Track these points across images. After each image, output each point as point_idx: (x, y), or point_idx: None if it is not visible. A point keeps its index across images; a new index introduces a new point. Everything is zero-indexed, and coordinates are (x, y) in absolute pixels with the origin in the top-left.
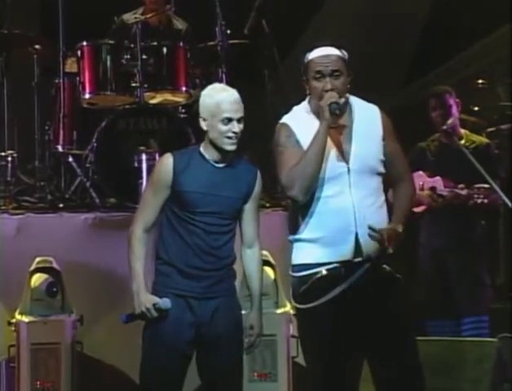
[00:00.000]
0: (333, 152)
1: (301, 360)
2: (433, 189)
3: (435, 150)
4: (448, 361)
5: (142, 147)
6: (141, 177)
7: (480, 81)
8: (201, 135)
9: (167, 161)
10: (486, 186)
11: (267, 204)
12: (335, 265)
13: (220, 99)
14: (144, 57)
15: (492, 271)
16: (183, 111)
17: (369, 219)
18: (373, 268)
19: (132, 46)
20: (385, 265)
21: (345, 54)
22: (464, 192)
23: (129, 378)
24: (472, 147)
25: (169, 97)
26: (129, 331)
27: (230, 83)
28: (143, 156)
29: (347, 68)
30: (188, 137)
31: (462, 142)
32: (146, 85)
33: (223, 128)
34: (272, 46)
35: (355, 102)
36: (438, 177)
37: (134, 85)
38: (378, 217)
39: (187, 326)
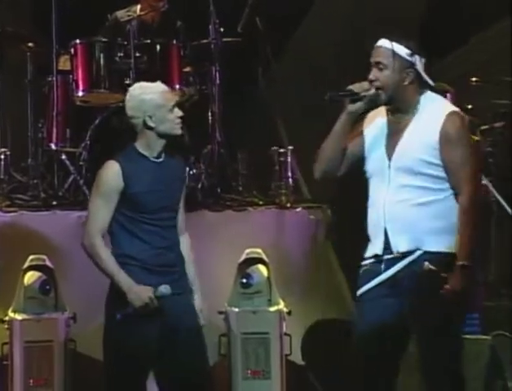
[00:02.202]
0: (382, 148)
1: (294, 358)
2: None
3: None
4: None
5: None
6: None
7: (474, 79)
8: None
9: (115, 168)
10: (486, 182)
11: (261, 202)
12: (372, 259)
13: (159, 91)
14: (138, 55)
15: (483, 269)
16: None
17: (400, 215)
18: (409, 264)
19: (125, 43)
20: (427, 263)
21: (399, 48)
22: None
23: None
24: None
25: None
26: None
27: (223, 81)
28: None
29: (400, 63)
30: (181, 134)
31: None
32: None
33: (172, 115)
34: (266, 44)
35: (428, 102)
36: None
37: (127, 82)
38: (411, 215)
39: (157, 323)
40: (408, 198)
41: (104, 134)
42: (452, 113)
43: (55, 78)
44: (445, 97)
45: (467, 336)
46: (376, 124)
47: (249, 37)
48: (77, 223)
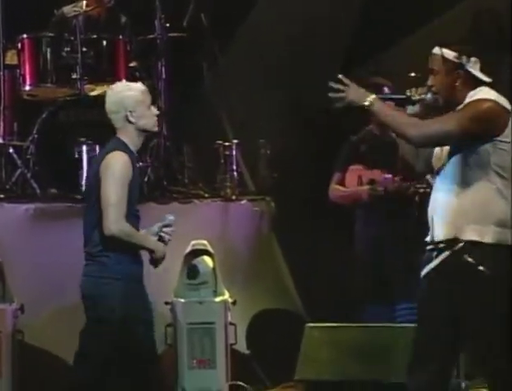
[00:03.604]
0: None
1: (239, 347)
2: (372, 181)
3: (369, 142)
4: (384, 346)
5: (82, 139)
6: (81, 168)
7: (413, 74)
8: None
9: (126, 158)
10: (428, 175)
11: (206, 195)
12: (429, 246)
13: (139, 89)
14: (84, 50)
15: None
16: None
17: (440, 205)
18: (449, 256)
19: (72, 38)
20: (465, 255)
21: (447, 53)
22: (406, 183)
23: (69, 366)
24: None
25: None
26: (69, 320)
27: (169, 75)
28: (84, 147)
29: (449, 66)
30: None
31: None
32: (86, 78)
33: (150, 112)
34: (211, 39)
35: (471, 96)
36: (376, 170)
37: (74, 77)
38: (447, 204)
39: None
40: (451, 189)
41: (51, 128)
42: (476, 100)
43: (2, 73)
44: (382, 91)
45: (405, 325)
46: None
47: (195, 33)
48: (24, 216)
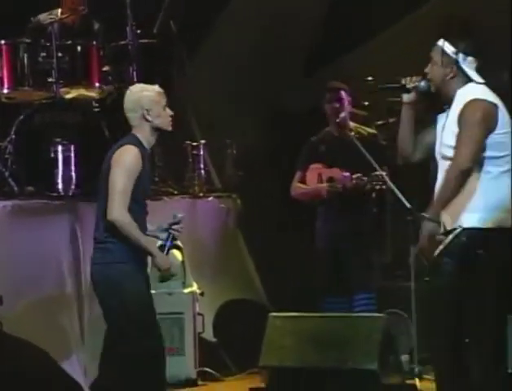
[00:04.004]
0: (439, 137)
1: (206, 335)
2: (331, 179)
3: (328, 142)
4: (342, 334)
5: (58, 139)
6: (57, 167)
7: (370, 78)
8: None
9: (136, 151)
10: (384, 173)
11: (175, 192)
12: None
13: (156, 91)
14: (60, 55)
15: (380, 252)
16: (97, 105)
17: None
18: (452, 241)
19: (48, 44)
20: (467, 241)
21: (448, 47)
22: (363, 180)
23: (48, 355)
24: (360, 138)
25: (83, 92)
26: (46, 312)
27: (140, 81)
28: (59, 147)
29: (446, 59)
30: (101, 129)
31: (352, 133)
32: (61, 81)
33: (165, 113)
34: (179, 45)
35: (461, 94)
36: (335, 168)
37: (50, 81)
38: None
39: None
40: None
41: (29, 129)
42: (471, 101)
43: None
44: (340, 94)
45: (362, 314)
46: (443, 114)
47: (164, 39)
48: (2, 212)
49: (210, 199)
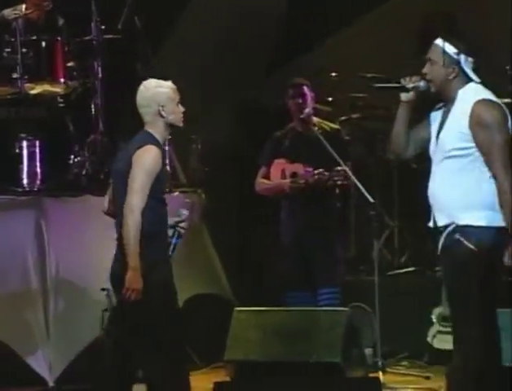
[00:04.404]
0: (435, 134)
1: None
2: (294, 174)
3: (291, 138)
4: (306, 328)
5: (23, 134)
6: (22, 163)
7: (334, 74)
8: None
9: (157, 151)
10: (346, 168)
11: None
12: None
13: (170, 87)
14: (24, 51)
15: (344, 247)
16: (62, 101)
17: (439, 195)
18: (446, 237)
19: (13, 40)
20: (461, 238)
21: (448, 47)
22: (325, 175)
23: (13, 351)
24: (323, 134)
25: (48, 88)
26: (13, 305)
27: (105, 76)
28: (24, 143)
29: (447, 60)
30: (66, 124)
31: (315, 129)
32: (26, 77)
33: (178, 109)
34: (144, 41)
35: (464, 93)
36: (298, 164)
37: (14, 76)
38: (444, 196)
39: None
40: (444, 180)
41: None
42: (480, 101)
43: None
44: (302, 90)
45: (326, 308)
46: (439, 112)
47: (129, 35)
48: None
49: (176, 194)
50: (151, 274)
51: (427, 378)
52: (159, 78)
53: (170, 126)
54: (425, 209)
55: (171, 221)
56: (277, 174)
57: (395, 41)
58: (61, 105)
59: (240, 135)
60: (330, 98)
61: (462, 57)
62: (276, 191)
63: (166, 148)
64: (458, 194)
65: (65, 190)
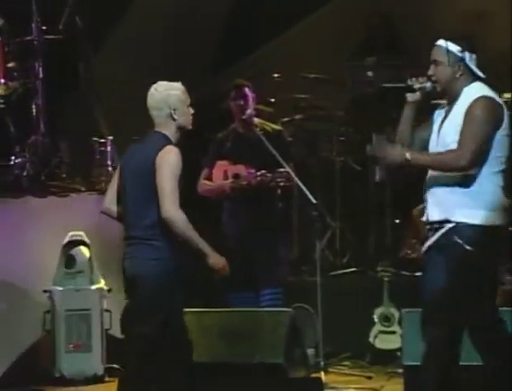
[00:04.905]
0: (436, 132)
1: (114, 332)
2: (237, 176)
3: (233, 139)
4: (249, 329)
5: None
6: None
7: (276, 75)
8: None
9: (178, 151)
10: (289, 169)
11: (83, 188)
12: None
13: (181, 89)
14: None
15: (287, 248)
16: (2, 101)
17: (434, 190)
18: (441, 236)
19: None
20: (455, 236)
21: (452, 46)
22: (268, 177)
23: None
24: (265, 135)
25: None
26: None
27: (46, 77)
28: None
29: (452, 59)
30: (7, 125)
31: (257, 130)
32: None
33: (189, 111)
34: (85, 41)
35: (468, 91)
36: (240, 165)
37: None
38: (441, 191)
39: None
40: (440, 174)
41: None
42: (479, 98)
43: None
44: (244, 91)
45: (268, 309)
46: (442, 110)
47: (70, 35)
48: None
49: None
50: (168, 276)
51: (369, 378)
52: (100, 78)
53: (181, 128)
54: (367, 210)
55: None
56: (219, 176)
57: (337, 41)
58: (1, 106)
59: (182, 136)
60: (272, 99)
61: (467, 54)
62: (218, 192)
63: (109, 149)
64: (456, 190)
65: (6, 191)
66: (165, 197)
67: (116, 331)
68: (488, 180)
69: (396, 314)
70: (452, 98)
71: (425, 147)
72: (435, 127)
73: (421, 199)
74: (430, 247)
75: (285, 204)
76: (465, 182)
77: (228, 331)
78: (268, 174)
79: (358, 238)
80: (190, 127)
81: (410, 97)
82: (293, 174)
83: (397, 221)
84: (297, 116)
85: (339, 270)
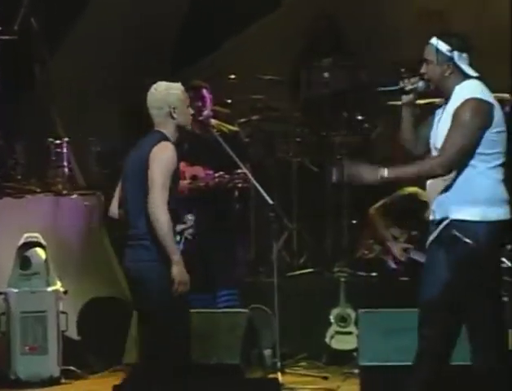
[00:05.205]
0: (434, 130)
1: (70, 333)
2: (194, 177)
3: (190, 141)
4: (206, 330)
5: None
6: None
7: (232, 77)
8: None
9: (173, 148)
10: (246, 171)
11: (38, 190)
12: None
13: (181, 89)
14: None
15: (244, 249)
16: None
17: (433, 187)
18: (440, 231)
19: None
20: (454, 230)
21: (441, 45)
22: (225, 178)
23: None
24: (222, 136)
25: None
26: None
27: (2, 77)
28: None
29: (441, 58)
30: None
31: (214, 131)
32: None
33: (188, 110)
34: (41, 42)
35: (460, 90)
36: (198, 167)
37: None
38: (439, 187)
39: None
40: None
41: None
42: (466, 100)
43: None
44: (201, 92)
45: (225, 310)
46: (440, 109)
47: (26, 36)
48: None
49: (74, 196)
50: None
51: (325, 378)
52: (56, 79)
53: (180, 128)
54: (324, 211)
55: (178, 228)
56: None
57: (293, 42)
58: None
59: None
60: (229, 101)
61: (456, 53)
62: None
63: (65, 150)
64: (451, 189)
65: None
66: (153, 192)
67: (73, 333)
68: (485, 176)
69: (352, 315)
70: (446, 97)
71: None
72: (434, 127)
73: (378, 199)
74: (432, 241)
75: (242, 205)
76: (462, 180)
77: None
78: (226, 176)
79: (315, 239)
80: (189, 127)
81: (404, 99)
82: (249, 175)
83: (354, 221)
84: (254, 117)
85: (296, 271)
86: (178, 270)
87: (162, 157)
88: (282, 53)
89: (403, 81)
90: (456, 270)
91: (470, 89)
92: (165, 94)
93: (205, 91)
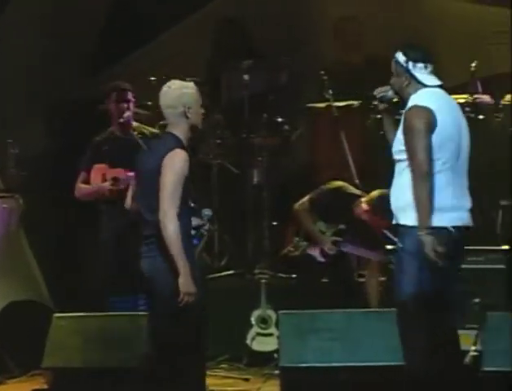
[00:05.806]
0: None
1: None
2: (115, 179)
3: (111, 142)
4: (126, 334)
5: None
6: None
7: (153, 78)
8: None
9: (186, 156)
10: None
11: None
12: None
13: (194, 88)
14: None
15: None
16: None
17: (391, 194)
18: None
19: None
20: (396, 237)
21: (399, 57)
22: None
23: None
24: (143, 138)
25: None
26: None
27: None
28: None
29: (400, 69)
30: None
31: (135, 133)
32: None
33: (200, 110)
34: None
35: (409, 101)
36: (119, 169)
37: None
38: (392, 197)
39: None
40: (394, 181)
41: None
42: (410, 108)
43: None
44: (124, 94)
45: (146, 313)
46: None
47: None
48: None
49: None
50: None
51: (246, 380)
52: None
53: (192, 127)
54: (244, 212)
55: (195, 222)
56: (97, 179)
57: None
58: None
59: (60, 138)
60: (149, 102)
61: (410, 64)
62: (95, 195)
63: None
64: (397, 195)
65: None
66: (163, 200)
67: None
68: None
69: (273, 316)
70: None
71: None
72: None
73: (298, 199)
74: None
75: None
76: (404, 186)
77: (105, 336)
78: None
79: (236, 240)
80: (200, 126)
81: (380, 106)
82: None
83: (274, 223)
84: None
85: (217, 273)
86: (184, 281)
87: (175, 165)
88: (203, 54)
89: (377, 89)
90: (401, 277)
91: (418, 97)
92: (179, 93)
93: (129, 93)
